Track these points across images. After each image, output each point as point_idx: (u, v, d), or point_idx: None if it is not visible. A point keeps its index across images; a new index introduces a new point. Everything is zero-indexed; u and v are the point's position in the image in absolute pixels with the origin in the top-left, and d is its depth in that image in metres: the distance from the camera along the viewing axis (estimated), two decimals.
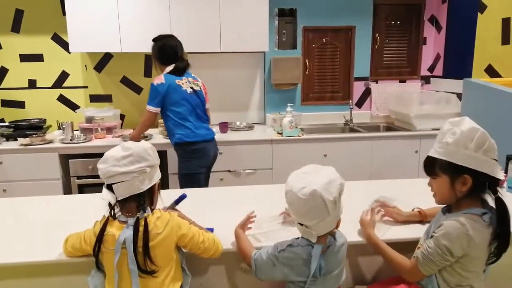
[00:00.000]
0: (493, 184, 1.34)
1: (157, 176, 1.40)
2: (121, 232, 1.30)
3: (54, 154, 3.23)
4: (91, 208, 1.91)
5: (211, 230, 1.60)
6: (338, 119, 4.01)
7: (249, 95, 4.02)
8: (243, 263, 1.53)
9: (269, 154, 3.40)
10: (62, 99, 3.84)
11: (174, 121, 2.83)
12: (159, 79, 2.79)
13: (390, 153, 3.52)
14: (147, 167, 1.33)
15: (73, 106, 3.85)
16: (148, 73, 3.87)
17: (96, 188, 3.33)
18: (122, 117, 3.86)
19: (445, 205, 1.46)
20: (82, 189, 3.32)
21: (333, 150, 3.46)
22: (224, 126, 3.60)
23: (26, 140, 3.21)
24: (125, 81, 3.86)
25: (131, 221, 1.31)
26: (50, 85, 3.80)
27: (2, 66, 3.72)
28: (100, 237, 1.32)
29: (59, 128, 3.69)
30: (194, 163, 2.82)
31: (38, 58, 3.74)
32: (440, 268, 1.36)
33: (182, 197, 1.65)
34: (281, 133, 3.45)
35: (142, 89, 3.89)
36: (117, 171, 1.29)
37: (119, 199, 1.33)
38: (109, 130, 3.51)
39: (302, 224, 1.31)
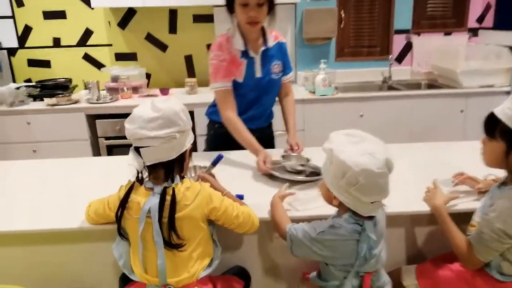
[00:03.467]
0: None
1: (188, 141, 1.27)
2: (146, 200, 1.19)
3: (80, 114, 3.17)
4: (120, 171, 1.83)
5: (241, 197, 1.48)
6: (376, 76, 3.73)
7: None
8: (277, 233, 1.41)
9: (301, 115, 3.20)
10: (87, 57, 3.73)
11: None
12: None
13: (432, 113, 3.26)
14: (177, 133, 1.20)
15: (99, 65, 3.75)
16: (173, 29, 3.68)
17: (124, 149, 3.24)
18: (148, 76, 3.73)
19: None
20: (110, 150, 3.28)
21: (370, 110, 3.24)
22: None
23: (53, 100, 3.16)
24: (150, 38, 3.70)
25: (158, 189, 1.20)
26: (75, 43, 3.69)
27: (26, 25, 3.62)
28: (123, 203, 1.22)
29: (85, 88, 3.61)
30: None
31: (61, 15, 3.60)
32: (501, 252, 1.20)
33: (219, 157, 1.53)
34: (314, 92, 3.24)
35: (167, 46, 3.72)
36: (144, 135, 1.17)
37: (146, 164, 1.21)
38: (135, 89, 3.41)
39: (371, 202, 1.15)
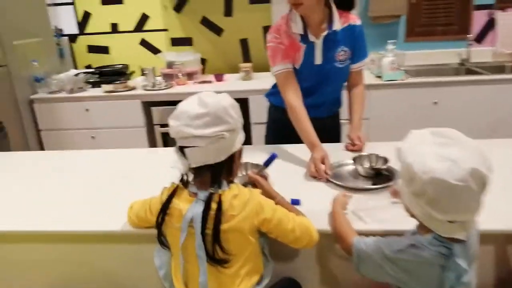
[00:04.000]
0: None
1: (238, 141, 1.10)
2: (189, 206, 1.06)
3: (136, 101, 3.14)
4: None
5: (297, 202, 1.30)
6: (452, 58, 3.31)
7: None
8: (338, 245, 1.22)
9: (365, 102, 2.92)
10: (144, 43, 3.70)
11: None
12: None
13: None
14: (226, 132, 1.04)
15: (155, 51, 3.70)
16: (228, 12, 3.52)
17: None
18: (203, 61, 3.62)
19: None
20: (166, 138, 3.23)
21: (446, 97, 2.88)
22: None
23: (110, 87, 3.15)
24: (205, 22, 3.57)
25: (202, 195, 1.05)
26: (132, 29, 3.67)
27: (85, 11, 3.65)
28: (164, 208, 1.09)
29: (142, 74, 3.59)
30: None
31: (118, 0, 3.58)
32: None
33: (273, 157, 1.35)
34: (380, 77, 2.94)
35: (223, 30, 3.57)
36: (189, 133, 1.02)
37: (191, 166, 1.07)
38: (190, 76, 3.31)
39: (449, 221, 0.93)
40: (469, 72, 3.19)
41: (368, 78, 3.00)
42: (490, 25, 3.32)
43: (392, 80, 2.87)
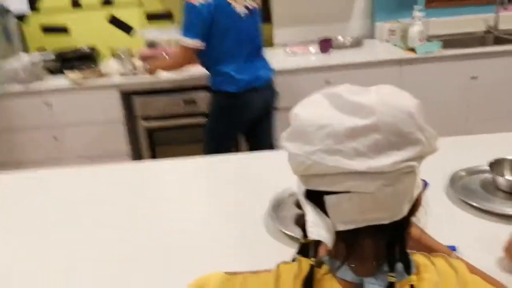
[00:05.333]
0: None
1: (419, 173, 0.54)
2: None
3: (112, 91, 2.52)
4: (180, 187, 1.20)
5: (453, 249, 0.82)
6: (475, 26, 2.92)
7: None
8: None
9: (396, 80, 2.47)
10: (113, 20, 3.04)
11: (214, 60, 2.06)
12: None
13: None
14: (416, 161, 0.50)
15: (128, 29, 3.05)
16: None
17: (168, 132, 2.64)
18: None
19: None
20: (151, 134, 2.64)
21: (484, 71, 2.48)
22: (326, 45, 2.66)
23: (77, 75, 2.50)
24: None
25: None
26: (97, 3, 2.99)
27: None
28: None
29: (113, 57, 2.94)
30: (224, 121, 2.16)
31: None
32: None
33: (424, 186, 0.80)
34: (411, 50, 2.48)
35: None
36: (341, 167, 0.48)
37: (339, 228, 0.53)
38: None
39: None
40: (498, 40, 2.81)
41: (396, 52, 2.56)
42: None
43: (429, 52, 2.43)
